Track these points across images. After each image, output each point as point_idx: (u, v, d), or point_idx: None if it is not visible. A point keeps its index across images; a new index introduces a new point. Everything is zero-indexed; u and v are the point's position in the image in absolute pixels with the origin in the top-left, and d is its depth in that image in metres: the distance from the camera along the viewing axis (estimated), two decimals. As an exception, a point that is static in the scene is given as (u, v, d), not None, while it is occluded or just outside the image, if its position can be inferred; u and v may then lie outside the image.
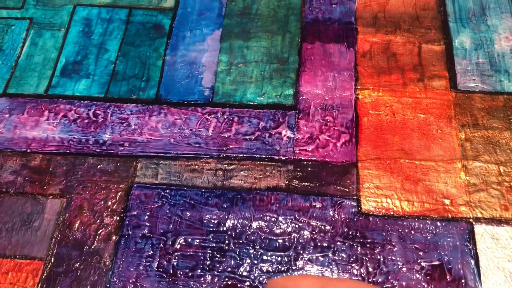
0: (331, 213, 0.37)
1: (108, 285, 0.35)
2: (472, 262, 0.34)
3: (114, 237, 0.37)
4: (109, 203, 0.38)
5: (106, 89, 0.44)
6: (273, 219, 0.37)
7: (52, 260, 0.36)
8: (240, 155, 0.40)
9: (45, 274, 0.35)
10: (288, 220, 0.37)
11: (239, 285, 0.34)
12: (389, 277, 0.34)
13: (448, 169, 0.38)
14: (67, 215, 0.38)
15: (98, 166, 0.40)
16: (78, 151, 0.41)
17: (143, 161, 0.40)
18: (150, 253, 0.36)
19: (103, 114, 0.42)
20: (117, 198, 0.38)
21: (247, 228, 0.37)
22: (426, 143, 0.40)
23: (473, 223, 0.36)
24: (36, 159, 0.40)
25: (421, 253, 0.35)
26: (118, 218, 0.37)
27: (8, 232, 0.37)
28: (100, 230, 0.37)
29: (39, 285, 0.35)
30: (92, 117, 0.42)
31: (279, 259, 0.35)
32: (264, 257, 0.35)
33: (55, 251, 0.36)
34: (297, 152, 0.40)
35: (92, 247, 0.36)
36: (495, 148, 0.39)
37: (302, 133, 0.41)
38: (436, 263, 0.35)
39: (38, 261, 0.36)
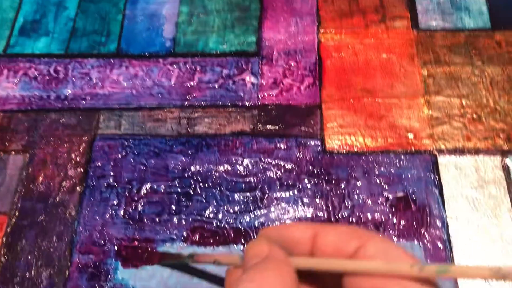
0: (296, 153, 0.37)
1: (74, 235, 0.34)
2: (436, 191, 0.35)
3: (78, 188, 0.36)
4: (73, 155, 0.38)
5: (66, 46, 0.43)
6: (238, 162, 0.37)
7: (17, 214, 0.35)
8: (204, 103, 0.40)
9: (9, 228, 0.35)
10: (253, 162, 0.37)
11: (206, 227, 0.34)
12: (355, 210, 0.34)
13: (411, 104, 0.38)
14: (30, 169, 0.37)
15: (61, 121, 0.39)
16: (39, 107, 0.40)
17: (105, 114, 0.39)
18: (115, 202, 0.36)
19: (64, 70, 0.42)
20: (81, 150, 0.38)
21: (213, 172, 0.36)
22: (389, 81, 0.40)
23: (437, 154, 0.36)
24: (-4, 117, 0.39)
25: (385, 186, 0.35)
26: (82, 169, 0.37)
27: (-30, 189, 0.37)
28: (65, 182, 0.37)
29: (4, 238, 0.35)
30: (53, 74, 0.41)
31: (245, 199, 0.35)
32: (231, 199, 0.35)
33: (19, 205, 0.36)
34: (261, 97, 0.40)
35: (57, 199, 0.36)
36: (457, 82, 0.39)
37: (266, 78, 0.40)
38: (401, 194, 0.35)
39: (2, 216, 0.35)
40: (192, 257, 0.30)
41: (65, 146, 0.38)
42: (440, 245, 0.33)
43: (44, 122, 0.39)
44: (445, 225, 0.34)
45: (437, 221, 0.34)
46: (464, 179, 0.35)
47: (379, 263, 0.19)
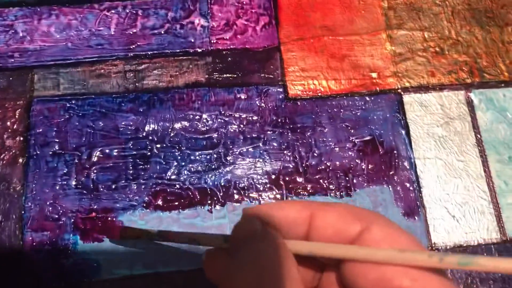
0: (257, 102, 0.35)
1: (23, 212, 0.31)
2: (403, 132, 0.34)
3: (20, 160, 0.32)
4: (8, 123, 0.33)
5: (-19, -7, 0.37)
6: (196, 117, 0.34)
7: (-48, 195, 0.32)
8: (150, 52, 0.36)
9: None
10: (213, 116, 0.34)
11: (168, 190, 0.32)
12: (322, 159, 0.33)
13: (373, 41, 0.36)
14: (-41, 143, 0.33)
15: (-13, 84, 0.34)
16: (-42, 69, 0.35)
17: (39, 72, 0.35)
18: (65, 171, 0.32)
19: (-18, 23, 0.36)
20: (17, 116, 0.34)
21: (170, 130, 0.34)
22: (349, 16, 0.37)
23: (402, 93, 0.35)
24: None
25: (352, 131, 0.34)
26: (21, 138, 0.33)
27: None
28: (3, 154, 0.33)
29: None
30: (-31, 28, 0.36)
31: (208, 157, 0.33)
32: (192, 157, 0.33)
33: (-47, 184, 0.32)
34: (214, 41, 0.36)
35: (-3, 174, 0.32)
36: (418, 13, 0.37)
37: (217, 19, 0.37)
38: (368, 138, 0.34)
39: None
40: (163, 235, 0.28)
41: (-3, 113, 0.34)
42: (409, 186, 0.33)
43: (-33, 86, 0.34)
44: (413, 166, 0.33)
45: (405, 162, 0.33)
46: (430, 117, 0.34)
47: (392, 252, 0.17)
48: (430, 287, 0.17)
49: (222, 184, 0.32)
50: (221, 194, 0.32)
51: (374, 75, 0.35)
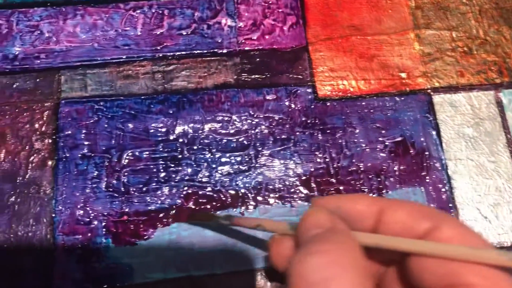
0: (287, 103, 0.34)
1: (53, 215, 0.31)
2: (434, 133, 0.34)
3: (50, 162, 0.32)
4: (36, 125, 0.33)
5: (4, -7, 0.36)
6: (226, 119, 0.34)
7: (-18, 199, 0.31)
8: (178, 53, 0.35)
9: (-24, 215, 0.31)
10: (242, 118, 0.34)
11: (200, 192, 0.32)
12: (354, 160, 0.33)
13: (402, 41, 0.36)
14: (-13, 146, 0.32)
15: (14, 85, 0.34)
16: (-16, 71, 0.34)
17: (66, 73, 0.34)
18: (95, 174, 0.32)
19: (7, 23, 0.35)
20: (45, 118, 0.33)
21: (200, 132, 0.33)
22: (376, 15, 0.37)
23: (431, 93, 0.35)
24: None
25: (383, 131, 0.34)
26: (50, 140, 0.33)
27: None
28: (32, 157, 0.32)
29: (-28, 227, 0.31)
30: (-7, 29, 0.35)
31: (239, 159, 0.33)
32: (223, 160, 0.33)
33: (-18, 188, 0.31)
34: (242, 42, 0.36)
35: (26, 177, 0.32)
36: (446, 13, 0.37)
37: (244, 19, 0.36)
38: (399, 139, 0.34)
39: (-35, 202, 0.31)
40: (229, 218, 0.28)
41: (25, 115, 0.33)
42: (441, 187, 0.33)
43: (-7, 88, 0.34)
44: (444, 167, 0.33)
45: (437, 163, 0.33)
46: (460, 118, 0.34)
47: (464, 248, 0.17)
48: (500, 286, 0.17)
49: (253, 186, 0.32)
50: (252, 196, 0.32)
51: (403, 75, 0.35)
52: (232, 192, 0.32)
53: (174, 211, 0.31)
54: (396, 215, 0.20)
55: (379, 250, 0.21)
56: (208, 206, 0.32)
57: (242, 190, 0.32)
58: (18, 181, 0.32)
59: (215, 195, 0.32)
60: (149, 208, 0.31)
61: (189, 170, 0.32)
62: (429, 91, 0.35)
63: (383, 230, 0.21)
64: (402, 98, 0.35)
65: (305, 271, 0.17)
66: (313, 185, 0.32)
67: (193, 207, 0.31)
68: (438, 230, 0.19)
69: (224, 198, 0.32)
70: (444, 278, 0.18)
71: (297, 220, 0.22)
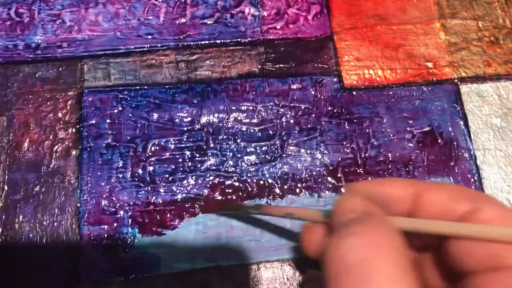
0: (312, 93, 0.34)
1: (79, 204, 0.31)
2: (461, 123, 0.33)
3: (74, 152, 0.32)
4: (60, 114, 0.33)
5: (25, -18, 0.36)
6: (251, 108, 0.33)
7: (6, 188, 0.31)
8: (201, 42, 0.35)
9: (1, 205, 0.30)
10: (268, 107, 0.33)
11: (226, 182, 0.31)
12: (381, 150, 0.33)
13: (427, 30, 0.36)
14: (11, 135, 0.32)
15: (37, 74, 0.33)
16: (7, 59, 0.34)
17: (89, 62, 0.34)
18: (120, 163, 0.32)
19: (28, 12, 0.35)
20: (68, 107, 0.33)
21: (225, 122, 0.33)
22: (401, 5, 0.36)
23: (458, 83, 0.34)
24: (-44, 75, 0.33)
25: (410, 121, 0.33)
26: (74, 130, 0.32)
27: None
28: (56, 146, 0.32)
29: (-3, 217, 0.30)
30: (15, 17, 0.35)
31: (264, 148, 0.32)
32: (248, 150, 0.32)
33: (6, 177, 0.31)
34: (265, 31, 0.35)
35: (51, 166, 0.31)
36: (471, 2, 0.37)
37: (268, 8, 0.36)
38: (427, 129, 0.33)
39: (-11, 192, 0.31)
40: (259, 208, 0.27)
41: (48, 104, 0.33)
42: (470, 177, 0.32)
43: (16, 77, 0.33)
44: (473, 157, 0.33)
45: (465, 153, 0.33)
46: (488, 108, 0.34)
47: (505, 229, 0.17)
48: None
49: (280, 176, 0.32)
50: (279, 186, 0.32)
51: (429, 64, 0.35)
52: (259, 182, 0.32)
53: (201, 201, 0.31)
54: (434, 197, 0.20)
55: (415, 235, 0.21)
56: (234, 197, 0.31)
57: (269, 180, 0.32)
58: (42, 170, 0.31)
59: (241, 185, 0.31)
60: (175, 197, 0.31)
61: (215, 160, 0.32)
62: (456, 81, 0.34)
63: (421, 214, 0.20)
64: (429, 88, 0.34)
65: (342, 253, 0.17)
66: (340, 175, 0.32)
67: (220, 197, 0.31)
68: (479, 212, 0.18)
69: (250, 189, 0.31)
70: (486, 261, 0.18)
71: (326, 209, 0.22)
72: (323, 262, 0.18)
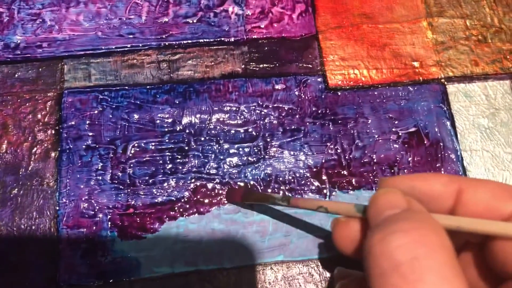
0: (296, 93, 0.33)
1: (57, 208, 0.30)
2: (448, 123, 0.33)
3: (53, 154, 0.31)
4: (39, 115, 0.32)
5: (5, -19, 0.35)
6: (234, 109, 0.33)
7: (-17, 191, 0.30)
8: (184, 41, 0.34)
9: (-22, 208, 0.30)
10: (251, 108, 0.33)
11: (208, 184, 0.31)
12: (366, 151, 0.32)
13: (414, 29, 0.35)
14: (-11, 137, 0.31)
15: (16, 75, 0.33)
16: (-15, 60, 0.33)
17: (69, 62, 0.33)
18: (99, 165, 0.31)
19: (8, 11, 0.34)
20: (47, 109, 0.32)
21: (207, 123, 0.32)
22: (388, 3, 0.36)
23: (445, 83, 0.34)
24: None
25: (396, 122, 0.33)
26: (53, 131, 0.32)
27: None
28: (35, 148, 0.31)
29: (-26, 221, 0.30)
30: (-6, 17, 0.34)
31: (247, 150, 0.32)
32: (231, 151, 0.32)
33: (-16, 180, 0.31)
34: (249, 30, 0.35)
35: (29, 168, 0.31)
36: (459, 1, 0.36)
37: (252, 7, 0.35)
38: (413, 129, 0.33)
39: (-34, 195, 0.30)
40: (288, 200, 0.26)
41: (28, 105, 0.32)
42: (456, 179, 0.32)
43: (-5, 78, 0.33)
44: (459, 158, 0.32)
45: (452, 154, 0.32)
46: (475, 108, 0.33)
47: None
48: None
49: (263, 178, 0.31)
50: (261, 188, 0.31)
51: (416, 64, 0.34)
52: (241, 184, 0.31)
53: (181, 204, 0.30)
54: (478, 195, 0.19)
55: (457, 234, 0.20)
56: (217, 199, 0.31)
57: (251, 182, 0.31)
58: (20, 173, 0.31)
59: (223, 188, 0.31)
60: (156, 200, 0.30)
61: (197, 161, 0.31)
62: (442, 80, 0.34)
63: (463, 212, 0.19)
64: (415, 88, 0.34)
65: (390, 251, 0.16)
66: (324, 177, 0.31)
67: (200, 199, 0.30)
68: None
69: (232, 191, 0.31)
70: None
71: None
72: (366, 260, 0.17)
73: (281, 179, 0.31)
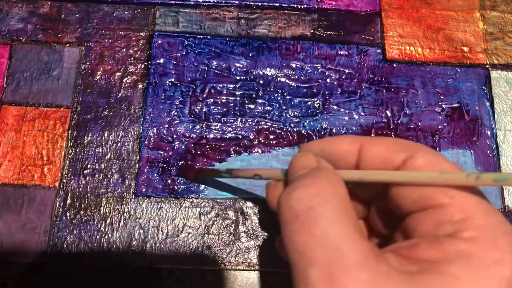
0: (357, 60, 0.38)
1: (141, 130, 0.35)
2: (488, 104, 0.37)
3: (140, 85, 0.36)
4: (131, 51, 0.37)
5: None
6: (300, 67, 0.37)
7: (79, 108, 0.35)
8: (262, 3, 0.39)
9: (73, 121, 0.35)
10: (315, 68, 0.37)
11: (270, 129, 0.35)
12: (413, 118, 0.36)
13: (467, 18, 0.39)
14: (87, 63, 0.36)
15: (114, 14, 0.38)
16: (89, -2, 0.38)
17: (161, 9, 0.38)
18: (180, 100, 0.36)
19: (111, -42, 0.39)
20: (139, 46, 0.37)
21: (275, 76, 0.37)
22: (447, -7, 0.40)
23: (490, 69, 0.38)
24: (45, 6, 0.37)
25: (442, 97, 0.37)
26: (142, 66, 0.36)
27: (27, 81, 0.36)
28: (126, 78, 0.36)
29: (69, 131, 0.35)
30: (99, -38, 0.39)
31: (308, 103, 0.36)
32: (293, 103, 0.36)
33: (80, 99, 0.35)
34: (321, 1, 0.39)
35: (119, 94, 0.36)
36: (512, -2, 0.40)
37: (325, -19, 0.40)
38: (456, 105, 0.37)
39: (65, 109, 0.35)
40: (230, 172, 0.30)
41: (122, 40, 0.37)
42: (489, 153, 0.36)
43: (96, 14, 0.37)
44: (494, 135, 0.36)
45: (488, 131, 0.36)
46: (514, 94, 0.37)
47: (433, 174, 0.19)
48: (467, 204, 0.19)
49: (318, 129, 0.36)
50: (316, 138, 0.35)
51: (465, 49, 0.38)
52: (299, 132, 0.35)
53: (246, 142, 0.35)
54: (375, 149, 0.22)
55: (362, 188, 0.23)
56: (275, 142, 0.35)
57: (309, 132, 0.36)
58: (112, 97, 0.36)
59: (283, 134, 0.35)
60: (225, 136, 0.35)
61: (263, 108, 0.36)
62: (487, 66, 0.38)
63: (365, 165, 0.22)
64: (462, 70, 0.38)
65: (292, 203, 0.20)
66: (373, 135, 0.36)
67: (262, 140, 0.35)
68: (413, 160, 0.21)
69: (291, 137, 0.35)
70: (420, 202, 0.20)
71: None
72: (278, 213, 0.20)
73: (334, 132, 0.36)
